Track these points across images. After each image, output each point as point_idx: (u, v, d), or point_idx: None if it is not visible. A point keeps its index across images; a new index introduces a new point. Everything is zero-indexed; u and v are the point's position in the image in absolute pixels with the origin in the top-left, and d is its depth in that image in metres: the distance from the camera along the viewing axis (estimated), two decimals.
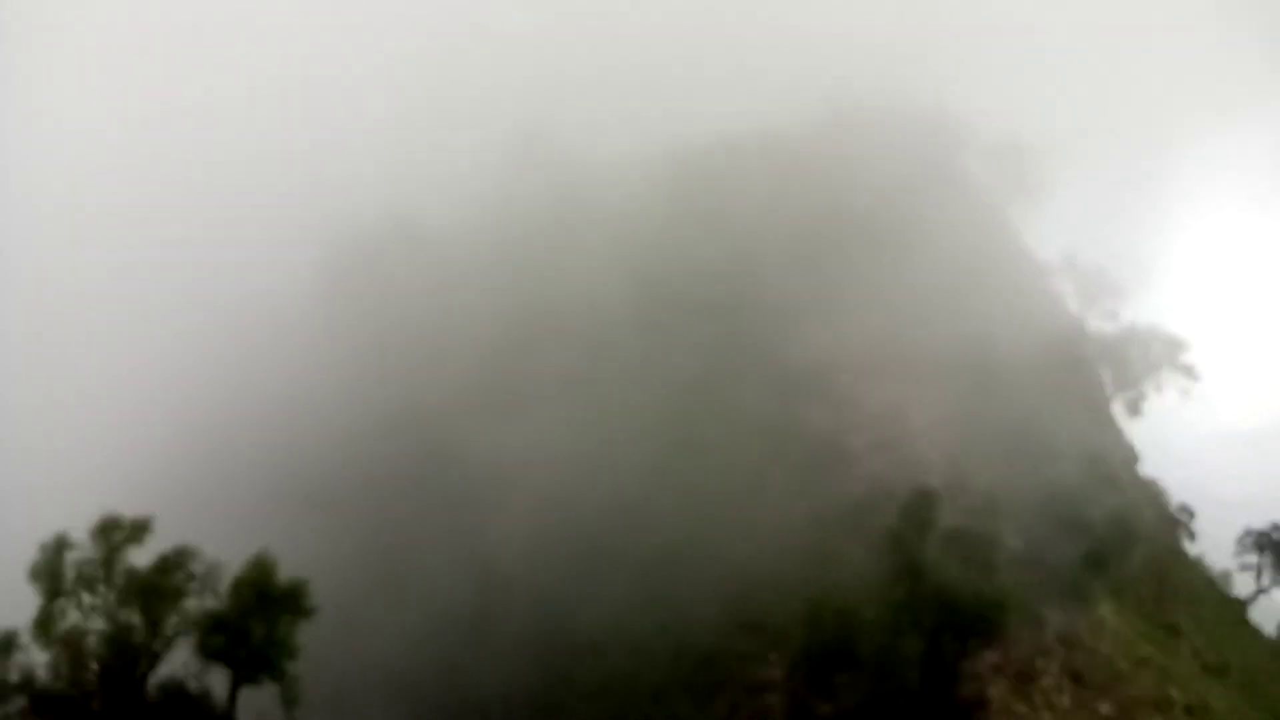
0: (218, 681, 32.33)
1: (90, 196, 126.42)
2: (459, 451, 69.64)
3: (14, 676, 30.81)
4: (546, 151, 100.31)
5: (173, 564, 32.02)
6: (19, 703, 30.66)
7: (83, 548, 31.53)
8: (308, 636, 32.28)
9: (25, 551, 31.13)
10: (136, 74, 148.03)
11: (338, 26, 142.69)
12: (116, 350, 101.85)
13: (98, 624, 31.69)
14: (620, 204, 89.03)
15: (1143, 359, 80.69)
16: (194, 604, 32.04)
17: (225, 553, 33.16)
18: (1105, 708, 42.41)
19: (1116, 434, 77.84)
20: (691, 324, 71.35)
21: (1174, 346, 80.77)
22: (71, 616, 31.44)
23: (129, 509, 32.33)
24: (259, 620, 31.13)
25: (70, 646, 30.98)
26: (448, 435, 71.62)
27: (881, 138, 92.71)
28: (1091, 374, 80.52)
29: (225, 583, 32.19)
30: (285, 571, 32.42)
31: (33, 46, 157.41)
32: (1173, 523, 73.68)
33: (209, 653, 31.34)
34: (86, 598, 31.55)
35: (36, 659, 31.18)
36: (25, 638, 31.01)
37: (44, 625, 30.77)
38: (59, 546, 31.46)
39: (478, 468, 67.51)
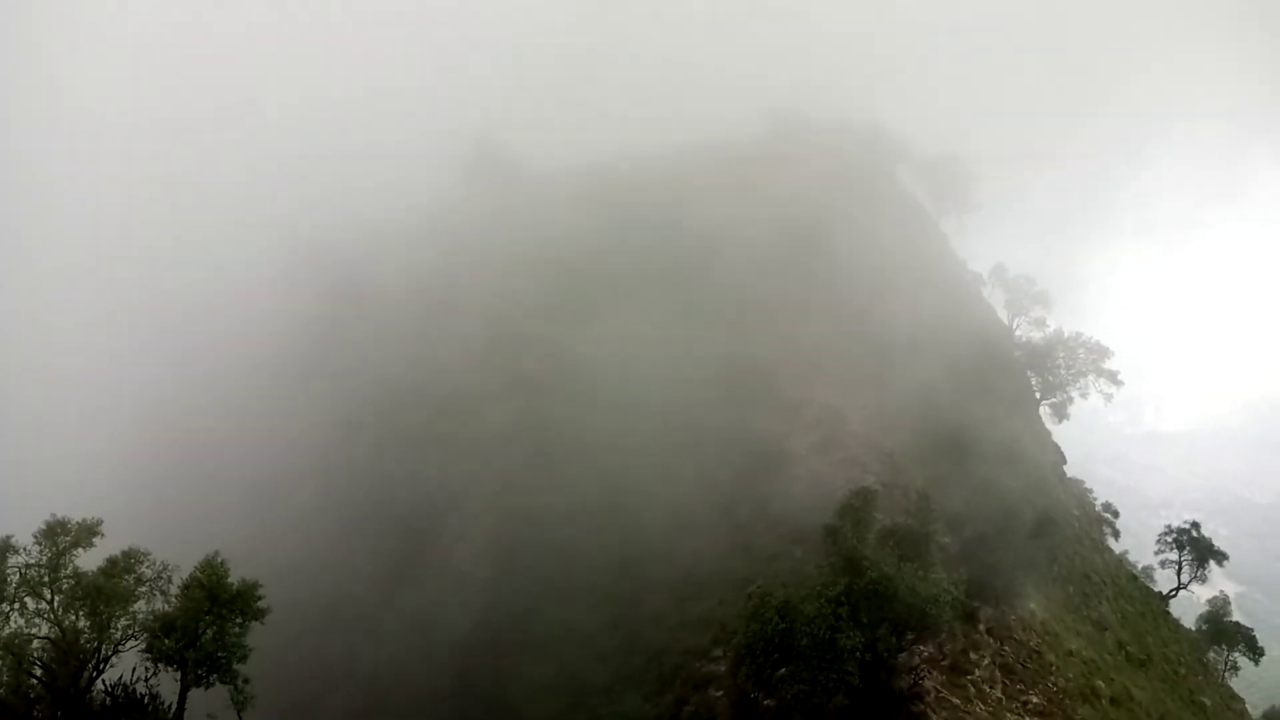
0: (167, 684, 32.07)
1: (70, 202, 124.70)
2: (416, 449, 69.80)
3: None
4: (495, 161, 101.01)
5: (121, 567, 31.63)
6: None
7: (28, 552, 31.04)
8: (259, 637, 32.25)
9: None
10: (120, 91, 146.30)
11: (303, 49, 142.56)
12: (79, 353, 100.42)
13: (42, 629, 31.22)
14: (565, 210, 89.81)
15: (1068, 365, 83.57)
16: (143, 607, 31.80)
17: (184, 554, 33.04)
18: (1035, 699, 43.92)
19: (1044, 436, 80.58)
20: (640, 324, 72.27)
21: (1098, 353, 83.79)
22: (14, 622, 30.85)
23: (89, 511, 31.96)
24: (210, 622, 31.10)
25: (13, 653, 30.32)
26: (403, 435, 71.71)
27: (822, 151, 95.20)
28: (1020, 379, 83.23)
29: (176, 585, 32.03)
30: (242, 570, 32.40)
31: (33, 52, 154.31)
32: (1098, 521, 76.64)
33: (158, 656, 31.03)
34: (30, 602, 31.05)
35: None
36: None
37: None
38: (1, 551, 30.89)
39: (434, 467, 67.76)
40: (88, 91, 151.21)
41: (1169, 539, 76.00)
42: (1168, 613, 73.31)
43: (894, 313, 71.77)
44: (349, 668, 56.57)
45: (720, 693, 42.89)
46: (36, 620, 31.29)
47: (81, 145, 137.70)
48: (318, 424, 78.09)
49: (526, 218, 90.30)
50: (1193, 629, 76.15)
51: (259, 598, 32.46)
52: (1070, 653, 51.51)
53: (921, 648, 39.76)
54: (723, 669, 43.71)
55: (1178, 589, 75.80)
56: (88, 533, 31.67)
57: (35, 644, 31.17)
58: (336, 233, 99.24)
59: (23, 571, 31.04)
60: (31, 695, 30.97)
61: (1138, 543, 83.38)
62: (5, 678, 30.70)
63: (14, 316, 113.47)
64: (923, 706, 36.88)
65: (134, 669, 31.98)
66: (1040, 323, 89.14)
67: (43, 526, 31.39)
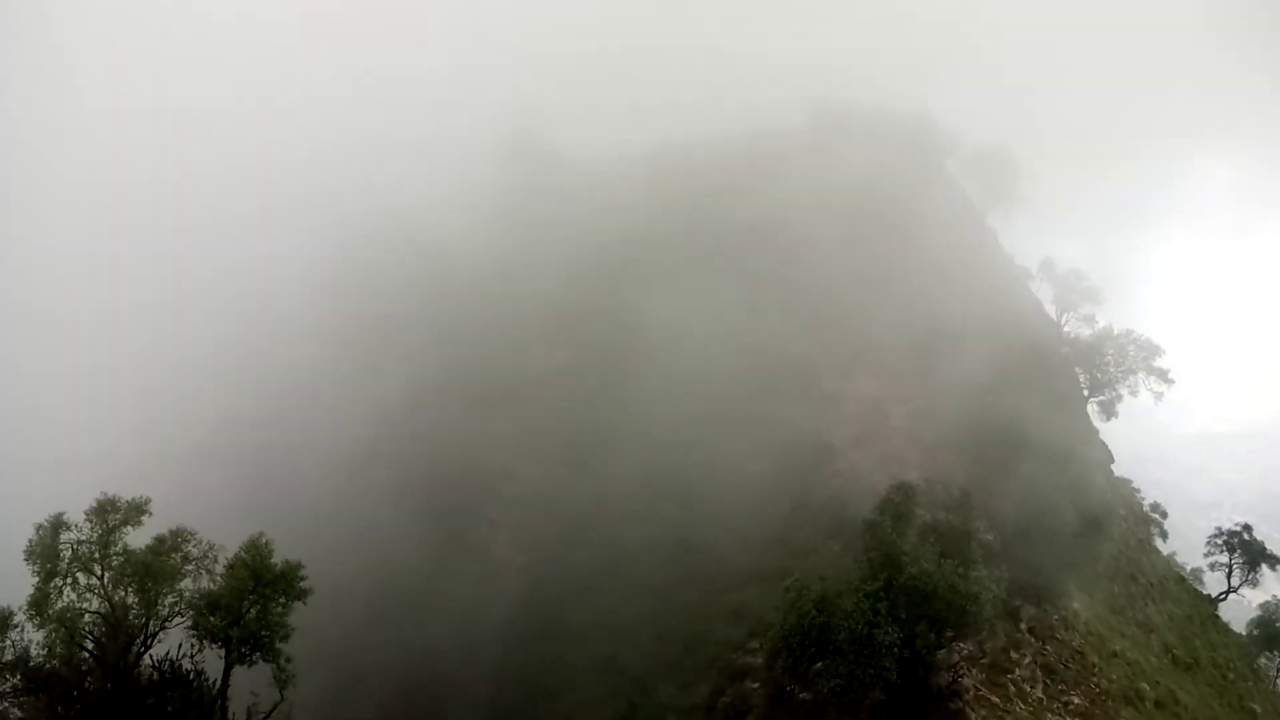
0: (212, 661, 32.74)
1: (106, 194, 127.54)
2: (451, 441, 70.46)
3: (8, 655, 30.92)
4: (535, 151, 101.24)
5: (169, 545, 32.35)
6: (13, 681, 30.87)
7: (80, 529, 31.82)
8: (301, 617, 32.78)
9: (27, 532, 31.50)
10: (153, 78, 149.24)
11: (337, 37, 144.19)
12: (125, 341, 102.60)
13: (93, 604, 32.00)
14: (604, 201, 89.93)
15: (1118, 362, 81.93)
16: (189, 585, 32.46)
17: (224, 536, 33.69)
18: (1077, 700, 43.26)
19: (1091, 434, 79.17)
20: (676, 318, 72.19)
21: (1149, 351, 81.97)
22: (67, 596, 31.64)
23: (132, 492, 32.69)
24: (254, 601, 31.68)
25: (65, 626, 31.10)
26: (440, 425, 72.39)
27: (865, 141, 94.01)
28: (1068, 375, 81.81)
29: (221, 564, 32.66)
30: (284, 553, 32.93)
31: (59, 46, 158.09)
32: (1145, 521, 75.12)
33: (203, 633, 31.67)
34: (82, 578, 31.82)
35: (31, 637, 31.40)
36: (20, 617, 31.14)
37: (39, 605, 30.84)
38: (55, 527, 31.67)
39: (469, 457, 68.38)
40: (133, 78, 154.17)
41: (1219, 541, 74.36)
42: (1217, 616, 71.70)
43: (938, 306, 70.90)
44: (389, 653, 57.36)
45: (756, 684, 42.84)
46: (87, 595, 32.04)
47: (134, 132, 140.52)
48: (358, 413, 79.00)
49: (568, 208, 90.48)
50: (1243, 634, 74.43)
51: (301, 578, 32.97)
52: (1114, 654, 50.62)
53: (961, 645, 39.27)
54: (759, 661, 43.64)
55: (1227, 592, 74.14)
56: (136, 511, 32.37)
57: (86, 618, 31.91)
58: (377, 219, 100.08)
59: (74, 548, 31.79)
60: (83, 668, 31.76)
61: (1186, 544, 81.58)
62: (59, 650, 31.45)
63: (55, 303, 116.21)
64: (961, 704, 36.47)
65: (180, 645, 32.64)
66: (1089, 319, 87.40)
67: (94, 504, 32.11)
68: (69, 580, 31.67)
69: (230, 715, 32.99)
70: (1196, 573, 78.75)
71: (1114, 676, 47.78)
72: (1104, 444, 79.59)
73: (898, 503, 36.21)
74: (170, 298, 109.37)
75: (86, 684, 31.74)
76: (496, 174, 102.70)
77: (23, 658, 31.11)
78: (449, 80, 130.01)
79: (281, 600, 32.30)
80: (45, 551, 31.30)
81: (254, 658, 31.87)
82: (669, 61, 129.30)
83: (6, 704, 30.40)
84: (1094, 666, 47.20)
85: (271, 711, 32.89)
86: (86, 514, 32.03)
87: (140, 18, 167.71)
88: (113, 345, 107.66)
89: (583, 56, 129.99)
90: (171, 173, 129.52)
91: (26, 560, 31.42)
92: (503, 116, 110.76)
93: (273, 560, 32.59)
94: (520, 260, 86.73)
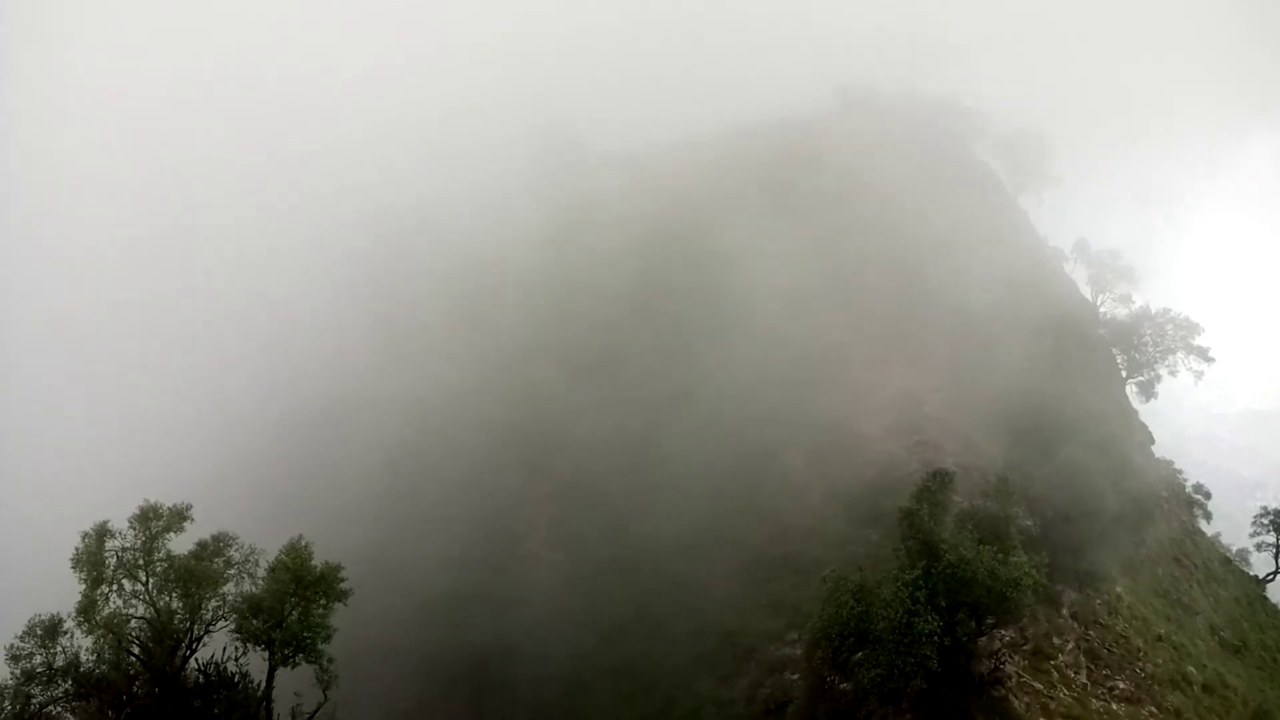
0: (255, 664, 33.21)
1: (133, 193, 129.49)
2: (482, 436, 70.93)
3: (59, 661, 31.56)
4: (566, 146, 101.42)
5: (211, 550, 32.93)
6: (64, 686, 31.52)
7: (123, 536, 32.37)
8: (341, 619, 33.15)
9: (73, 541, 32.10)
10: (181, 70, 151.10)
11: (367, 31, 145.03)
12: (155, 347, 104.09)
13: (139, 609, 32.56)
14: (634, 194, 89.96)
15: (1156, 342, 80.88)
16: (232, 589, 32.96)
17: (263, 540, 34.17)
18: (1122, 685, 42.74)
19: (1130, 416, 78.16)
20: (705, 313, 72.18)
21: (1188, 329, 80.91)
22: (113, 602, 32.21)
23: (171, 498, 33.25)
24: (295, 604, 32.07)
25: (113, 631, 31.66)
26: (471, 420, 72.90)
27: (894, 127, 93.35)
28: (1105, 357, 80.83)
29: (263, 568, 33.09)
30: (323, 555, 33.30)
31: (86, 42, 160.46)
32: (1188, 503, 74.01)
33: (247, 636, 32.15)
34: (127, 584, 32.41)
35: (81, 643, 32.01)
36: (69, 624, 31.77)
37: (87, 611, 31.43)
38: (100, 535, 32.27)
39: (502, 452, 68.81)
40: (162, 70, 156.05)
41: (1265, 520, 72.99)
42: (1265, 598, 70.52)
43: (970, 291, 70.24)
44: (427, 651, 57.77)
45: (796, 676, 42.73)
46: (133, 601, 32.65)
47: (164, 128, 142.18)
48: (397, 412, 79.70)
49: (592, 202, 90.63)
50: None
51: (341, 580, 33.34)
52: (1159, 638, 50.00)
53: (1002, 632, 38.85)
54: (798, 652, 43.51)
55: (1276, 573, 72.87)
56: (178, 517, 32.92)
57: (133, 623, 32.48)
58: (411, 215, 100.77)
59: (119, 555, 32.36)
60: (131, 672, 32.34)
61: (1232, 525, 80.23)
62: (107, 655, 32.04)
63: (84, 304, 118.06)
64: (1004, 691, 36.09)
65: (224, 648, 33.15)
66: (1126, 299, 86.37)
67: (136, 511, 32.66)
68: (115, 587, 32.27)
69: (275, 716, 33.41)
70: (1243, 553, 77.46)
71: (1160, 661, 47.19)
72: (1144, 425, 78.64)
73: (934, 490, 35.89)
74: (201, 298, 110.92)
75: (135, 688, 32.33)
76: (527, 166, 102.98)
77: (73, 663, 31.75)
78: (477, 71, 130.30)
79: (322, 602, 32.71)
80: (91, 559, 31.89)
81: (297, 659, 32.27)
82: (694, 51, 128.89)
83: (59, 709, 31.04)
84: (1139, 651, 46.64)
85: (316, 711, 33.35)
86: (130, 521, 32.58)
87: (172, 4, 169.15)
88: (142, 351, 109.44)
89: (609, 47, 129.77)
90: (197, 170, 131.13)
91: (73, 568, 32.01)
92: (531, 107, 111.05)
93: (313, 563, 32.96)
94: (557, 251, 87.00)
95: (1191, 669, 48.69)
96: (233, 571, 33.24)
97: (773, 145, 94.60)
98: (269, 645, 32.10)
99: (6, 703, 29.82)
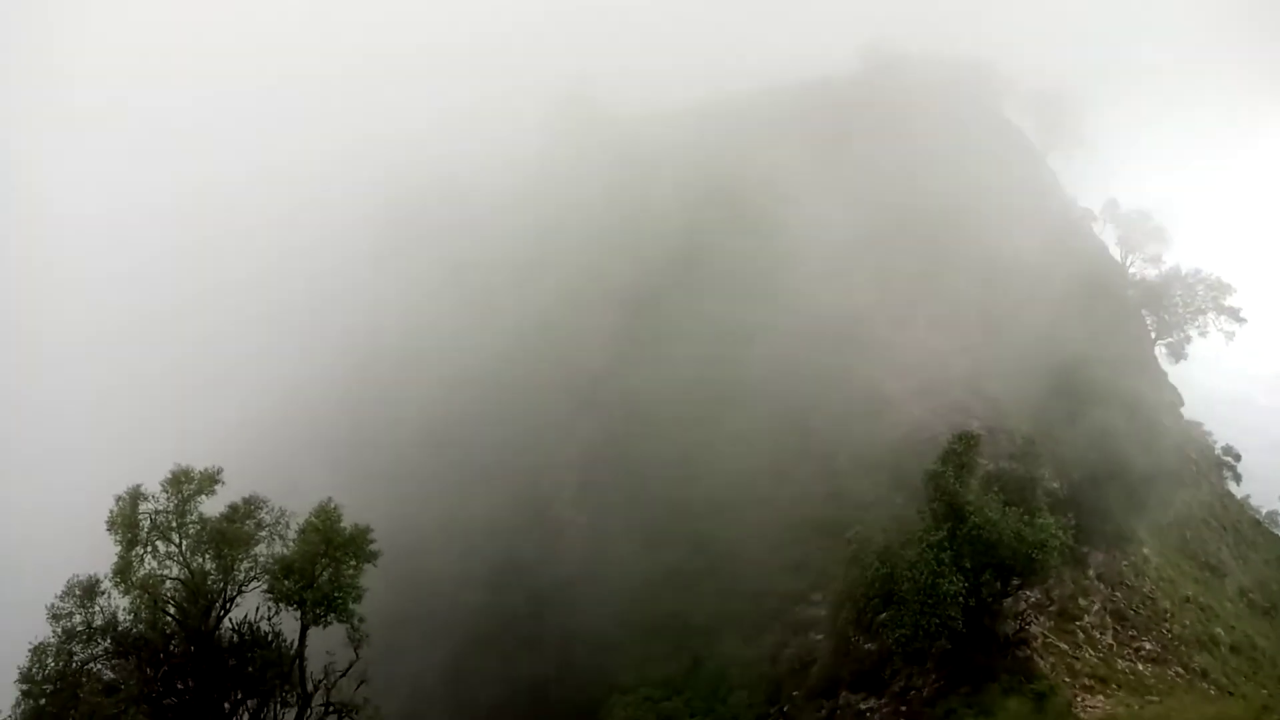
0: (288, 623, 33.75)
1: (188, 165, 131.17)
2: (509, 403, 71.40)
3: (98, 620, 32.21)
4: (588, 108, 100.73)
5: (242, 513, 33.36)
6: (103, 644, 32.21)
7: (156, 499, 32.88)
8: (370, 580, 33.60)
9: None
10: (218, 46, 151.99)
11: None
12: (188, 314, 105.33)
13: (173, 570, 33.13)
14: (658, 156, 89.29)
15: (1186, 303, 79.85)
16: (264, 550, 33.45)
17: (295, 503, 34.64)
18: (1149, 646, 42.67)
19: (1160, 377, 77.39)
20: (731, 274, 71.89)
21: (1219, 290, 79.84)
22: (148, 564, 32.79)
23: (213, 462, 33.76)
24: (325, 565, 32.55)
25: (148, 592, 32.25)
26: (499, 388, 73.33)
27: (921, 86, 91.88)
28: (1134, 318, 79.90)
29: (293, 530, 33.54)
30: (354, 519, 33.72)
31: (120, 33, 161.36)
32: (1218, 464, 73.41)
33: (279, 596, 32.64)
34: (161, 546, 32.93)
35: (118, 604, 32.66)
36: (106, 584, 32.39)
37: (123, 572, 32.02)
38: (133, 498, 32.75)
39: (529, 418, 69.24)
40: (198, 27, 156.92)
41: None
42: None
43: (997, 253, 69.51)
44: (453, 612, 58.67)
45: (820, 636, 43.06)
46: (167, 562, 33.16)
47: (212, 110, 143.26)
48: (431, 380, 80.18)
49: (615, 164, 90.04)
50: None
51: (371, 541, 33.72)
52: (1187, 599, 49.86)
53: (1028, 593, 38.88)
54: (823, 613, 43.83)
55: None
56: (209, 480, 33.35)
57: (167, 584, 33.06)
58: (440, 184, 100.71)
59: (153, 517, 32.87)
60: (167, 631, 32.93)
61: (1265, 487, 79.29)
62: (143, 614, 32.63)
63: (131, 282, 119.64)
64: (1029, 651, 36.14)
65: (257, 609, 33.69)
66: (1156, 259, 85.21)
67: (169, 475, 33.16)
68: (149, 548, 32.76)
69: (308, 674, 34.03)
70: (1273, 515, 76.76)
71: (1187, 622, 47.08)
72: (1173, 387, 77.88)
73: (960, 452, 35.71)
74: (229, 255, 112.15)
75: (171, 647, 32.94)
76: (545, 132, 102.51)
77: (111, 623, 32.35)
78: (494, 35, 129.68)
79: (352, 563, 33.09)
80: (125, 521, 32.41)
81: (328, 619, 32.73)
82: (718, 10, 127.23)
83: (99, 666, 31.75)
84: (1166, 612, 46.53)
85: (348, 670, 33.93)
86: (162, 485, 33.06)
87: None
88: (175, 319, 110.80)
89: (624, 10, 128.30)
90: (232, 136, 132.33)
91: (109, 530, 32.59)
92: (549, 72, 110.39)
93: (342, 524, 33.36)
94: (582, 216, 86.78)
95: (1219, 630, 48.55)
96: (264, 533, 33.66)
97: (800, 106, 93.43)
98: (300, 605, 32.57)
99: (50, 660, 30.55)
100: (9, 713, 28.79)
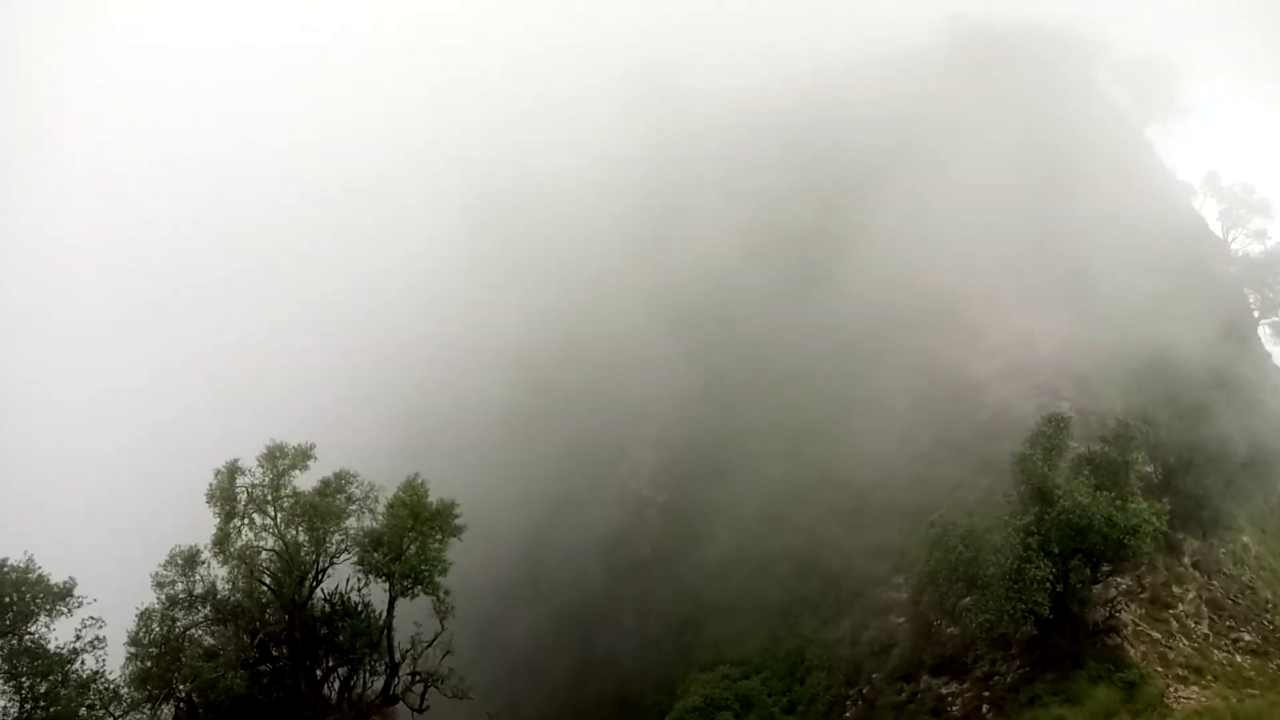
0: (376, 594, 34.80)
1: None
2: (590, 383, 72.10)
3: (198, 588, 33.73)
4: (662, 93, 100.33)
5: (334, 487, 34.38)
6: (204, 611, 33.71)
7: (253, 473, 34.17)
8: (458, 554, 34.39)
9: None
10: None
11: None
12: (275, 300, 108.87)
13: (268, 542, 34.43)
14: (736, 139, 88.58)
15: None
16: (354, 524, 34.49)
17: (381, 477, 35.62)
18: (1247, 637, 41.05)
19: (1263, 358, 74.20)
20: (810, 253, 71.12)
21: None
22: (245, 535, 34.14)
23: (301, 438, 34.93)
24: (413, 538, 33.43)
25: (245, 562, 33.60)
26: (580, 368, 74.09)
27: (1008, 57, 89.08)
28: (1236, 296, 76.63)
29: (382, 505, 34.51)
30: (437, 495, 34.53)
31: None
32: None
33: (368, 568, 33.65)
34: (257, 518, 34.24)
35: (217, 573, 34.13)
36: (206, 554, 33.84)
37: (221, 544, 33.42)
38: (231, 472, 34.08)
39: (609, 398, 69.80)
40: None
41: None
42: None
43: (1090, 228, 67.21)
44: (534, 587, 59.77)
45: (902, 619, 42.56)
46: (263, 534, 34.44)
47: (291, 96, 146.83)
48: (506, 361, 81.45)
49: (699, 151, 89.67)
50: None
51: (456, 516, 34.51)
52: None
53: (1118, 580, 37.78)
54: (904, 596, 43.26)
55: None
56: (303, 456, 34.48)
57: (263, 555, 34.37)
58: (512, 174, 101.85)
59: (249, 491, 34.16)
60: (263, 600, 34.29)
61: None
62: (240, 584, 34.08)
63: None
64: (1119, 639, 35.17)
65: (348, 580, 34.80)
66: (1261, 235, 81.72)
67: (264, 450, 34.38)
68: (246, 520, 34.09)
69: (395, 644, 35.05)
70: None
71: None
72: (1278, 368, 74.63)
73: (1049, 435, 34.88)
74: (330, 252, 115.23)
75: (267, 615, 34.31)
76: (627, 116, 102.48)
77: (211, 591, 33.86)
78: (567, 26, 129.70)
79: (438, 537, 33.91)
80: (223, 494, 33.76)
81: (415, 590, 33.63)
82: None
83: (199, 632, 33.23)
84: (1267, 603, 44.72)
85: (434, 640, 34.86)
86: (258, 460, 34.30)
87: None
88: (265, 303, 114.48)
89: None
90: (305, 128, 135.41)
91: (208, 503, 33.98)
92: (630, 54, 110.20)
93: (428, 499, 34.18)
94: (660, 200, 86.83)
95: None
96: (354, 507, 34.66)
97: (883, 81, 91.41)
98: (389, 577, 33.54)
99: (155, 624, 32.14)
100: (118, 673, 30.29)
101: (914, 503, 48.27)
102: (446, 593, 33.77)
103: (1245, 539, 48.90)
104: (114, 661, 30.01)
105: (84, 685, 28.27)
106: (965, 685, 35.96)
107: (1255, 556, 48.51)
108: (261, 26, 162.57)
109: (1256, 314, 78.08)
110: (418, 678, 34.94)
